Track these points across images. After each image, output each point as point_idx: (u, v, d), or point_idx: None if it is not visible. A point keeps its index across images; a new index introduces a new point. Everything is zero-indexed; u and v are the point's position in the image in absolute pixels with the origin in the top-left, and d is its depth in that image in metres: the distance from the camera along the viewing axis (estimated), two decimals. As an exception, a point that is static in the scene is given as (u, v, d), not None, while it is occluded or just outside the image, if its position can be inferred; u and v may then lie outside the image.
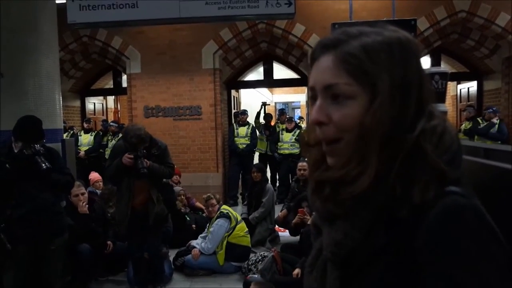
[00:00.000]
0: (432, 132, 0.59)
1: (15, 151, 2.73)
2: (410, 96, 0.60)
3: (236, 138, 7.24)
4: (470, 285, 0.51)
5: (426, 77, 0.63)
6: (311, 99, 0.67)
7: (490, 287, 0.51)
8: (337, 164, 0.63)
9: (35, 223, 2.72)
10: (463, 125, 7.30)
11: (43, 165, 2.68)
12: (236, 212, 4.61)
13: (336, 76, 0.61)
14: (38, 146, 2.74)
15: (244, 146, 7.19)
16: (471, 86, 8.29)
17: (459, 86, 8.79)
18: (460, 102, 8.78)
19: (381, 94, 0.59)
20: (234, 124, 7.44)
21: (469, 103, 8.19)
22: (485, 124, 6.78)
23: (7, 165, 2.65)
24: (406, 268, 0.56)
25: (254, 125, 7.57)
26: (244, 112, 7.54)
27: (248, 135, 7.25)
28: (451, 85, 8.87)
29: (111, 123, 7.87)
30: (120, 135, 7.20)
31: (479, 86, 8.02)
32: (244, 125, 7.33)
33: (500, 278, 0.52)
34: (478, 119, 7.05)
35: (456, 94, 8.95)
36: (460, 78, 8.49)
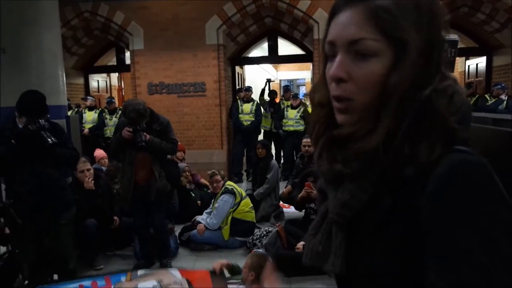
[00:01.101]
0: (443, 92, 0.58)
1: (20, 126, 2.72)
2: (433, 57, 0.58)
3: (240, 115, 7.19)
4: (471, 242, 0.50)
5: (443, 39, 0.62)
6: (328, 55, 0.63)
7: (493, 246, 0.50)
8: (348, 121, 0.61)
9: (40, 199, 2.73)
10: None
11: (49, 140, 2.67)
12: (241, 188, 4.63)
13: (363, 31, 0.57)
14: (43, 121, 2.72)
15: (249, 123, 7.15)
16: (480, 61, 8.12)
17: (468, 62, 8.61)
18: (468, 78, 8.63)
19: (411, 52, 0.56)
20: (239, 101, 7.38)
21: (478, 79, 8.05)
22: (493, 100, 6.68)
23: (12, 141, 2.64)
24: (412, 229, 0.55)
25: (258, 102, 7.51)
26: (249, 89, 7.47)
27: (253, 111, 7.20)
28: (459, 60, 8.69)
29: (109, 100, 7.76)
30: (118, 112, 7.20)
31: (488, 62, 7.85)
32: (248, 102, 7.27)
33: (504, 239, 0.50)
34: (486, 95, 6.95)
35: (464, 70, 8.78)
36: (468, 53, 8.31)
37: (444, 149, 0.55)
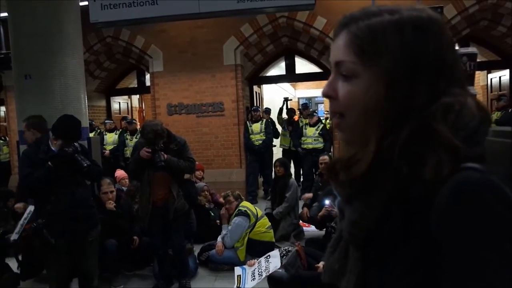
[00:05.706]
0: (447, 110, 0.57)
1: (53, 148, 2.81)
2: (420, 77, 0.58)
3: (251, 136, 7.11)
4: (487, 265, 0.49)
5: (452, 57, 0.61)
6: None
7: (510, 266, 0.48)
8: (343, 138, 0.66)
9: (73, 217, 2.81)
10: (494, 114, 7.03)
11: (84, 163, 2.78)
12: (259, 207, 4.57)
13: (345, 54, 0.62)
14: (76, 144, 2.82)
15: (260, 142, 7.07)
16: (503, 74, 7.94)
17: (490, 75, 8.43)
18: (491, 92, 8.43)
19: (379, 75, 0.58)
20: (248, 122, 7.29)
21: (502, 92, 7.85)
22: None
23: (49, 163, 2.73)
24: (425, 249, 0.54)
25: (268, 120, 7.37)
26: (257, 109, 7.42)
27: (263, 130, 7.10)
28: (480, 74, 8.53)
29: (129, 121, 7.91)
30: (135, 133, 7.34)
31: (512, 75, 7.67)
32: (257, 121, 7.19)
33: None
34: (510, 110, 6.81)
35: (487, 84, 8.59)
36: (491, 66, 8.15)
37: (451, 167, 0.54)
